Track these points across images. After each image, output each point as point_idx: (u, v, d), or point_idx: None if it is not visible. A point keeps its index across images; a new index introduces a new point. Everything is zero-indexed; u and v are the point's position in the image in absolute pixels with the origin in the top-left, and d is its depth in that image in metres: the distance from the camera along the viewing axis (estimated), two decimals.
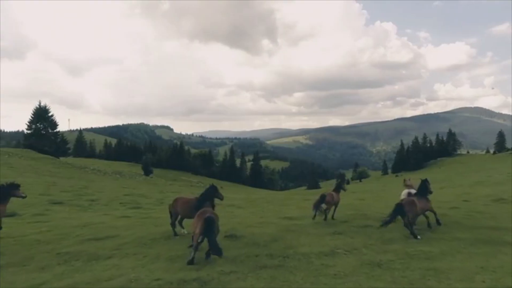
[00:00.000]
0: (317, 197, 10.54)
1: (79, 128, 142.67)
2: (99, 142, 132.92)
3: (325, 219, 10.24)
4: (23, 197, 8.47)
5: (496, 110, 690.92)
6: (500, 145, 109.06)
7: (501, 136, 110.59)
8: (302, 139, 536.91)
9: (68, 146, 63.81)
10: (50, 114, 56.84)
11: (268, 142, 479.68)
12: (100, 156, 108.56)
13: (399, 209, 7.90)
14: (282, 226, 9.60)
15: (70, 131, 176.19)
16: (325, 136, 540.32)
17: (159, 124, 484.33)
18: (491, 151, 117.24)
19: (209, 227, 5.84)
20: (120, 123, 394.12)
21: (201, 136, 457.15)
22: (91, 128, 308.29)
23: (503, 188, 18.08)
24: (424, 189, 8.88)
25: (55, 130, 57.62)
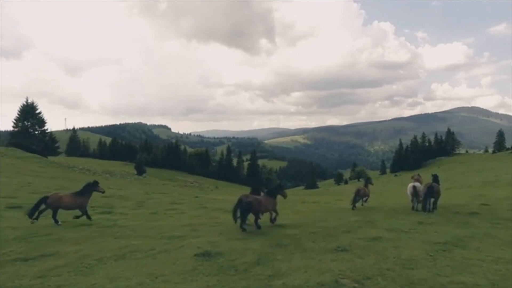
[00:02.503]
0: (353, 191, 13.32)
1: (74, 127, 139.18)
2: (94, 141, 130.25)
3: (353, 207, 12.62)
4: (102, 192, 10.96)
5: (493, 110, 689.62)
6: (500, 145, 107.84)
7: (500, 135, 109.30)
8: (300, 139, 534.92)
9: (57, 145, 61.55)
10: (38, 112, 54.52)
11: (266, 141, 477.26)
12: (94, 155, 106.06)
13: (430, 191, 10.70)
14: (272, 238, 7.77)
15: (67, 130, 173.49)
16: (323, 136, 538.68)
17: (157, 123, 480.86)
18: (490, 150, 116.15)
19: (243, 208, 8.61)
20: (118, 123, 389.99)
21: (199, 136, 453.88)
22: (88, 127, 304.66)
23: None
24: (437, 180, 11.62)
25: (43, 128, 55.42)
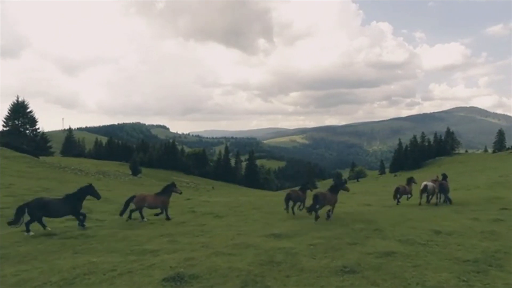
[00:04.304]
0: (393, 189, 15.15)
1: (72, 128, 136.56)
2: (90, 141, 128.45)
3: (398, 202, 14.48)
4: (180, 193, 12.01)
5: (491, 110, 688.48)
6: (500, 144, 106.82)
7: (500, 134, 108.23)
8: (298, 139, 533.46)
9: (50, 144, 60.00)
10: (29, 110, 52.92)
11: (264, 141, 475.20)
12: (89, 156, 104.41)
13: (443, 187, 13.47)
14: (264, 252, 6.45)
15: (64, 130, 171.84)
16: (322, 136, 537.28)
17: (155, 123, 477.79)
18: (489, 150, 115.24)
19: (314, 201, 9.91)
20: (116, 123, 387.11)
21: (198, 136, 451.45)
22: (86, 127, 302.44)
23: None
24: (446, 177, 14.02)
25: (34, 127, 53.87)
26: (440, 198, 13.95)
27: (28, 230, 8.16)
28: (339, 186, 10.86)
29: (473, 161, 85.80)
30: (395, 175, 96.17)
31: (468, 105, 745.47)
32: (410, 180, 15.08)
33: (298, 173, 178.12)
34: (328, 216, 10.33)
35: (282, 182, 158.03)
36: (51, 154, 67.72)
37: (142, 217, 10.72)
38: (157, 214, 11.27)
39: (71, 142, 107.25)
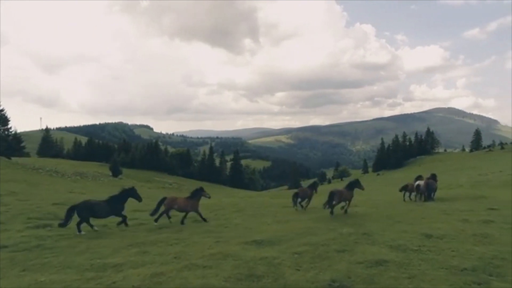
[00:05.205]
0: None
1: (50, 127, 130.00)
2: (69, 141, 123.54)
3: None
4: (208, 197, 11.60)
5: (468, 111, 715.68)
6: (477, 143, 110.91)
7: (477, 134, 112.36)
8: (284, 139, 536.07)
9: (23, 144, 56.89)
10: (0, 109, 50.06)
11: (250, 141, 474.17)
12: (68, 156, 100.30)
13: (431, 186, 14.62)
14: (244, 264, 5.77)
15: (42, 130, 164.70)
16: (307, 136, 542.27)
17: (138, 123, 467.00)
18: (467, 149, 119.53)
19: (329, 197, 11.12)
20: (97, 122, 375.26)
21: (182, 136, 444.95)
22: (65, 127, 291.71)
23: None
24: (435, 177, 15.28)
25: (6, 127, 50.80)
26: (426, 196, 15.06)
27: (79, 230, 9.01)
28: (354, 184, 11.95)
29: (452, 160, 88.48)
30: (378, 174, 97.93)
31: (446, 106, 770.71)
32: (418, 178, 16.04)
33: (284, 173, 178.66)
34: (345, 211, 11.55)
35: (267, 182, 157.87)
36: (26, 154, 64.53)
37: (169, 217, 10.93)
38: (203, 219, 11.25)
39: (48, 142, 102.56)
